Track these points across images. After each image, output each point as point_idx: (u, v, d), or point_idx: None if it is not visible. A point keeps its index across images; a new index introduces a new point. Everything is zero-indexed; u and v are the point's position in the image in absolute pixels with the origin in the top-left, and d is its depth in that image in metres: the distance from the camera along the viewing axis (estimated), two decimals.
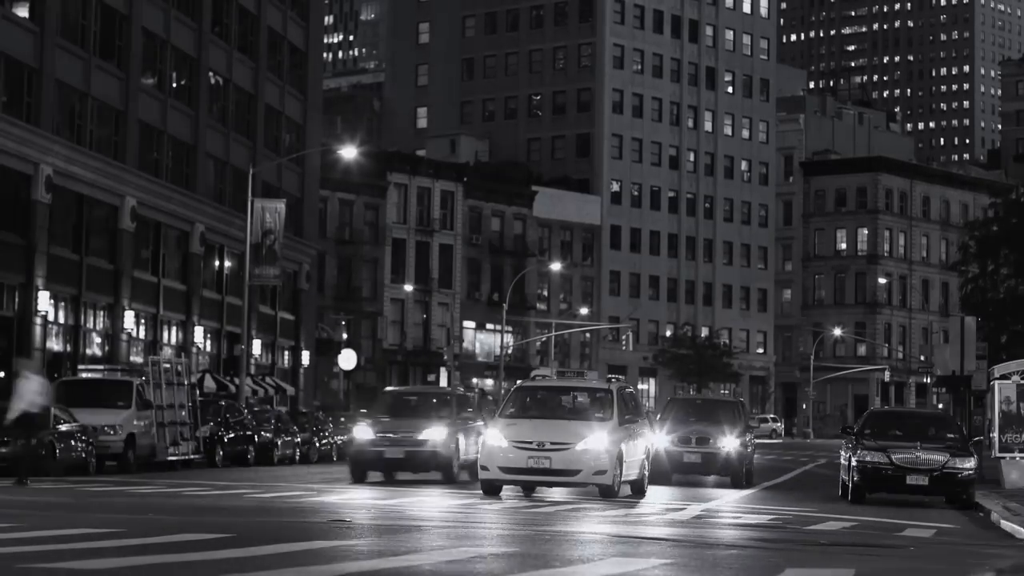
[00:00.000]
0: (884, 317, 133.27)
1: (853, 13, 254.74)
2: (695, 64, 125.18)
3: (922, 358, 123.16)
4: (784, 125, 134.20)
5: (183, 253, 63.09)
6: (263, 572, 11.98)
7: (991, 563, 15.76)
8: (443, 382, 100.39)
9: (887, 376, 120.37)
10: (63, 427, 34.06)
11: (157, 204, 59.19)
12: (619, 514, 21.91)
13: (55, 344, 52.61)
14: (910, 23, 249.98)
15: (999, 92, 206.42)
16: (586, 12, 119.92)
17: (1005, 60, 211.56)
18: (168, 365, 40.77)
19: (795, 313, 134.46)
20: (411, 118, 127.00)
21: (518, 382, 38.80)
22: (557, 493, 27.70)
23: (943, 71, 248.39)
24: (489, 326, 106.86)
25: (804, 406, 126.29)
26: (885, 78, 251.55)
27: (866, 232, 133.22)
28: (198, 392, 45.35)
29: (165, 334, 61.25)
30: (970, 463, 28.31)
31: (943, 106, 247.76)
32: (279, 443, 46.71)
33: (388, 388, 51.48)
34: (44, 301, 50.12)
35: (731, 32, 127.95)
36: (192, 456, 40.45)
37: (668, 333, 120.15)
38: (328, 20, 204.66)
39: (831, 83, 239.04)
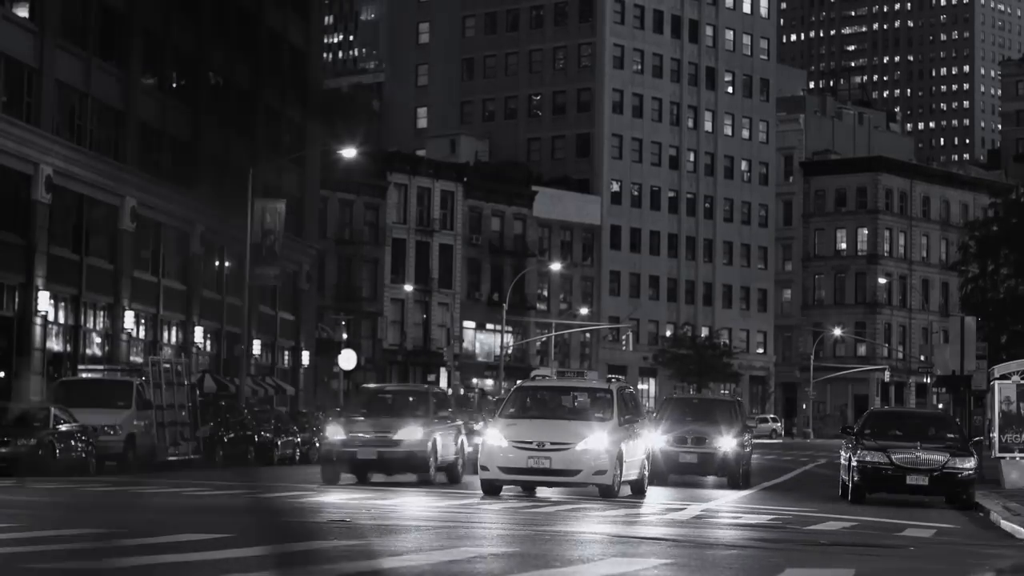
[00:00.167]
0: (884, 317, 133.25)
1: (853, 13, 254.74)
2: (695, 64, 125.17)
3: (922, 358, 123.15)
4: (784, 125, 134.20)
5: (183, 253, 63.05)
6: (263, 572, 11.98)
7: (991, 563, 15.76)
8: (443, 382, 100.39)
9: (887, 376, 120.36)
10: (63, 427, 34.09)
11: (157, 204, 59.16)
12: (619, 514, 21.91)
13: (55, 344, 52.57)
14: (910, 23, 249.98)
15: (999, 92, 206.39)
16: (586, 12, 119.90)
17: (1005, 60, 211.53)
18: (168, 365, 40.79)
19: (795, 313, 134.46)
20: (411, 118, 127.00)
21: (518, 382, 38.63)
22: (557, 493, 27.69)
23: (943, 71, 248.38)
24: (489, 326, 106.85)
25: (804, 406, 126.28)
26: (885, 78, 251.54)
27: (866, 232, 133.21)
28: (198, 392, 45.36)
29: (165, 334, 61.22)
30: (970, 463, 28.30)
31: (943, 106, 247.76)
32: (279, 443, 46.70)
33: (363, 386, 50.80)
34: (44, 301, 50.09)
35: (731, 32, 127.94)
36: (192, 456, 40.45)
37: (668, 333, 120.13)
38: (328, 20, 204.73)
39: (831, 83, 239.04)
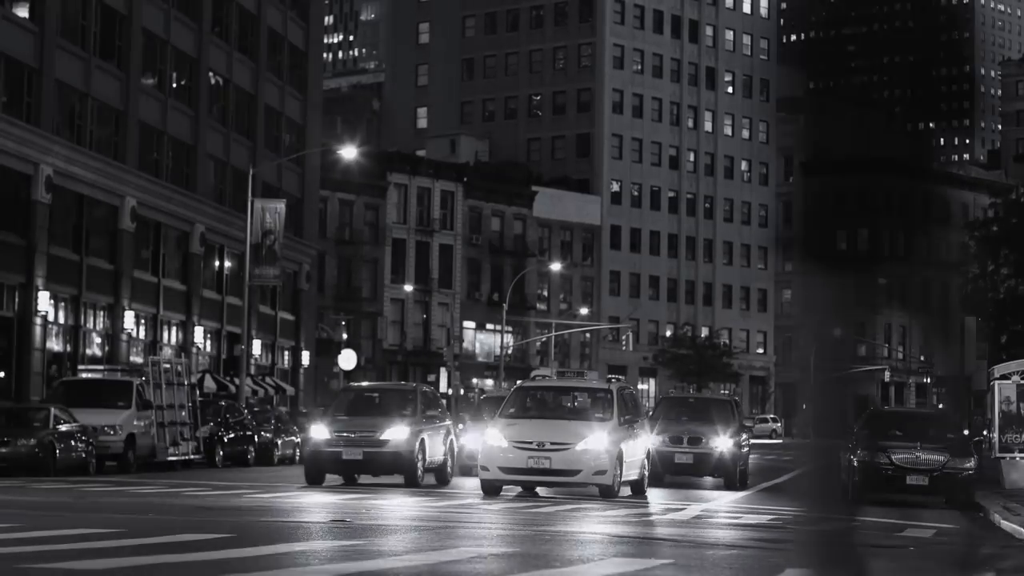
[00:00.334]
0: (884, 317, 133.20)
1: (853, 13, 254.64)
2: (695, 64, 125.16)
3: (922, 358, 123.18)
4: (784, 125, 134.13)
5: (183, 253, 63.07)
6: (263, 572, 11.98)
7: (991, 563, 15.76)
8: (443, 382, 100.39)
9: (887, 376, 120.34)
10: (63, 427, 34.09)
11: (157, 204, 59.18)
12: (619, 514, 21.90)
13: (55, 344, 52.59)
14: (910, 23, 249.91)
15: (999, 92, 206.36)
16: (586, 12, 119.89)
17: (1005, 60, 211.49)
18: (168, 365, 40.75)
19: (795, 313, 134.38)
20: (411, 118, 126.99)
21: (518, 382, 38.52)
22: (557, 493, 27.67)
23: (943, 71, 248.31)
24: (489, 326, 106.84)
25: (804, 406, 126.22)
26: (885, 78, 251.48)
27: (866, 232, 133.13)
28: (198, 392, 45.33)
29: (165, 334, 61.23)
30: (970, 463, 28.30)
31: (943, 106, 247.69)
32: (279, 443, 46.69)
33: (349, 384, 49.88)
34: (44, 301, 50.11)
35: (731, 32, 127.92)
36: (192, 456, 40.43)
37: (668, 333, 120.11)
38: (328, 20, 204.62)
39: (831, 83, 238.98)
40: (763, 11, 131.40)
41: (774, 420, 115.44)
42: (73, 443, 34.03)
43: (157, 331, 60.09)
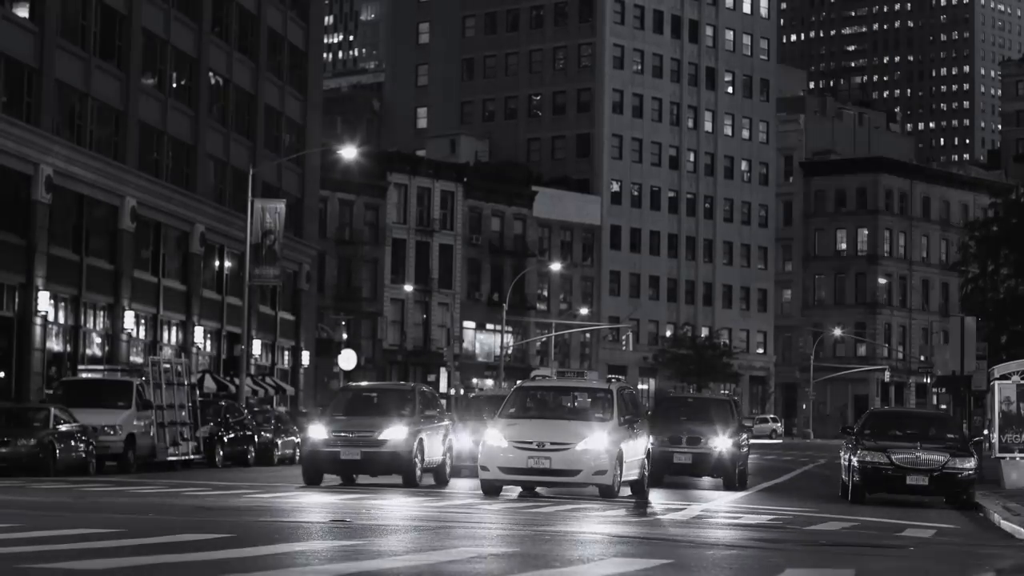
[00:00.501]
0: (884, 317, 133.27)
1: (853, 13, 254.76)
2: (695, 64, 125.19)
3: (922, 358, 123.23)
4: (784, 125, 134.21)
5: (183, 253, 63.08)
6: (263, 572, 11.98)
7: (991, 563, 15.76)
8: (443, 382, 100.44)
9: (887, 376, 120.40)
10: (63, 427, 34.10)
11: (157, 204, 59.18)
12: (619, 514, 21.91)
13: (55, 344, 52.59)
14: (910, 23, 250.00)
15: (999, 92, 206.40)
16: (586, 12, 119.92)
17: (1005, 60, 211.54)
18: (168, 365, 40.75)
19: (795, 313, 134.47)
20: (411, 118, 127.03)
21: (518, 382, 38.46)
22: (557, 493, 27.67)
23: (943, 71, 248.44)
24: (489, 326, 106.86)
25: (804, 406, 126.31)
26: (885, 78, 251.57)
27: (866, 232, 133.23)
28: (198, 392, 45.33)
29: (165, 334, 61.24)
30: (970, 463, 28.31)
31: (943, 106, 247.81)
32: (279, 443, 46.71)
33: (347, 384, 49.82)
34: (44, 301, 50.10)
35: (731, 32, 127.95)
36: (192, 456, 40.44)
37: (668, 333, 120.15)
38: (328, 20, 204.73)
39: (831, 83, 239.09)
40: (763, 11, 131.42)
41: (774, 420, 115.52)
42: (73, 443, 34.05)
43: (157, 331, 60.09)
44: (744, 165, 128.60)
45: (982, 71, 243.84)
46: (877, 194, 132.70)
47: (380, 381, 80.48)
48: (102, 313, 55.83)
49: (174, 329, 62.31)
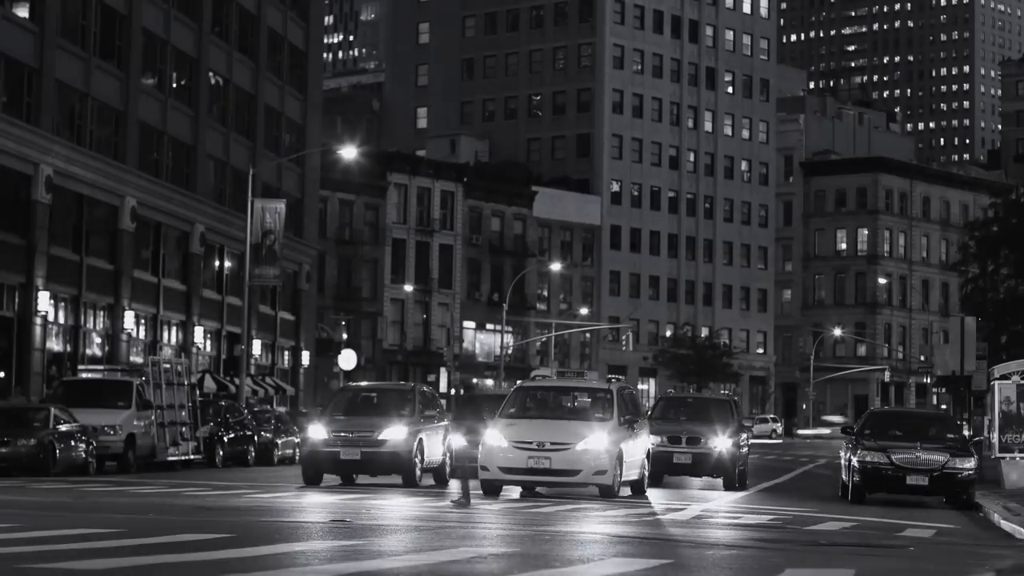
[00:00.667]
0: (884, 317, 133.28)
1: (853, 13, 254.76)
2: (695, 64, 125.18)
3: (922, 358, 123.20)
4: (784, 125, 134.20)
5: (183, 253, 63.09)
6: (263, 572, 11.98)
7: (991, 563, 15.76)
8: (443, 382, 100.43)
9: (887, 376, 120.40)
10: (63, 427, 34.09)
11: (157, 204, 59.20)
12: (619, 514, 21.90)
13: (55, 344, 52.60)
14: (910, 23, 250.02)
15: (999, 92, 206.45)
16: (586, 12, 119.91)
17: (1005, 60, 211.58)
18: (168, 365, 40.74)
19: (795, 313, 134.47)
20: (411, 118, 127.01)
21: (518, 382, 38.38)
22: (557, 493, 27.67)
23: (943, 71, 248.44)
24: (489, 326, 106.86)
25: (804, 406, 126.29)
26: (885, 78, 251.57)
27: (866, 232, 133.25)
28: (198, 392, 45.32)
29: (165, 334, 61.25)
30: (970, 463, 28.30)
31: (943, 106, 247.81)
32: (279, 443, 46.71)
33: (346, 384, 49.68)
34: (44, 301, 50.12)
35: (731, 32, 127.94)
36: (192, 456, 40.43)
37: (668, 333, 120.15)
38: (328, 20, 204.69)
39: (831, 83, 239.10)
40: (763, 11, 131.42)
41: (774, 420, 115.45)
42: (73, 443, 34.04)
43: (157, 331, 60.11)
44: (744, 165, 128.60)
45: (982, 71, 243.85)
46: (877, 194, 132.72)
47: (380, 381, 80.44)
48: (102, 313, 55.84)
49: (174, 329, 62.32)
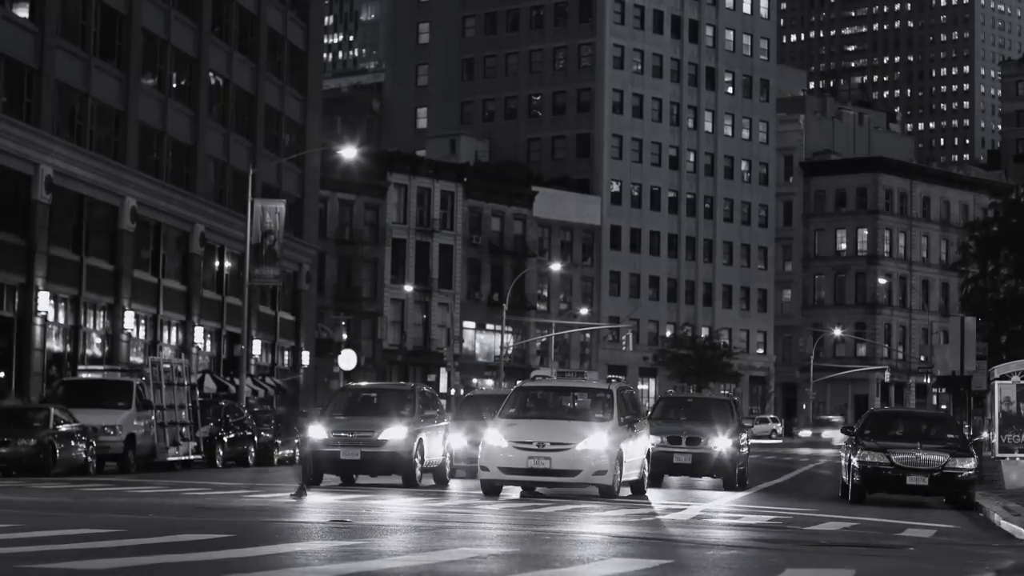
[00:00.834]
0: (884, 317, 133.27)
1: (853, 13, 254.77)
2: (695, 64, 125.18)
3: (922, 358, 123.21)
4: (784, 125, 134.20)
5: (183, 253, 63.09)
6: (263, 572, 11.98)
7: (991, 563, 15.76)
8: (443, 383, 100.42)
9: (887, 376, 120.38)
10: (63, 427, 34.10)
11: (157, 204, 59.20)
12: (619, 514, 21.90)
13: (55, 344, 52.60)
14: (910, 23, 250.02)
15: (999, 92, 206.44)
16: (586, 12, 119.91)
17: (1005, 60, 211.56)
18: (168, 365, 40.75)
19: (795, 313, 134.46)
20: (411, 118, 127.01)
21: (518, 382, 38.34)
22: (557, 493, 27.67)
23: (943, 71, 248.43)
24: (489, 326, 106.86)
25: (804, 406, 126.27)
26: (885, 78, 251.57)
27: (866, 232, 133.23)
28: (198, 392, 45.32)
29: (165, 334, 61.25)
30: (970, 463, 28.30)
31: (943, 106, 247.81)
32: (279, 443, 46.71)
33: (346, 384, 49.70)
34: (44, 301, 50.12)
35: (731, 32, 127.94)
36: (192, 456, 40.43)
37: (668, 333, 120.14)
38: (328, 20, 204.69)
39: (831, 83, 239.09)
40: (763, 11, 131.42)
41: (774, 420, 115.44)
42: (73, 443, 34.05)
43: (157, 331, 60.10)
44: (744, 165, 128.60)
45: (982, 71, 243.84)
46: (877, 194, 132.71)
47: (380, 381, 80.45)
48: (102, 313, 55.84)
49: (174, 329, 62.32)
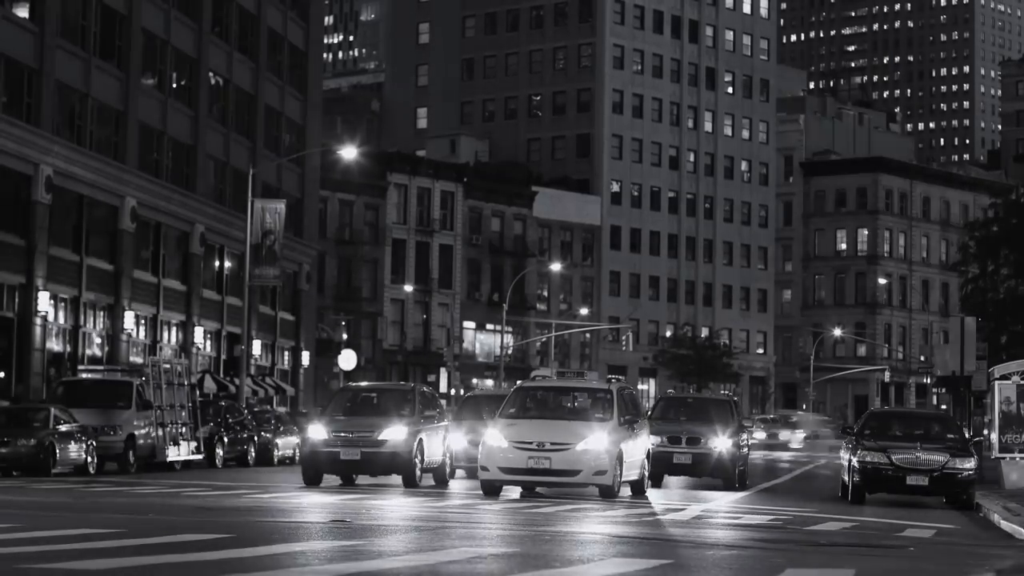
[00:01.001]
0: (884, 317, 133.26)
1: (853, 13, 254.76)
2: (695, 64, 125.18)
3: (922, 358, 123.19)
4: (784, 125, 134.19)
5: (183, 253, 63.08)
6: (263, 572, 11.98)
7: (991, 563, 15.76)
8: (443, 383, 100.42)
9: (887, 376, 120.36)
10: (63, 427, 34.10)
11: (157, 204, 59.19)
12: (619, 514, 21.91)
13: (55, 344, 52.59)
14: (910, 23, 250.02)
15: (999, 92, 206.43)
16: (586, 12, 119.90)
17: (1005, 60, 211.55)
18: (168, 365, 40.73)
19: (795, 313, 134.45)
20: (411, 118, 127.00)
21: (518, 382, 38.34)
22: (557, 493, 27.67)
23: (943, 71, 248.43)
24: (489, 326, 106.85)
25: (804, 406, 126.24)
26: (885, 78, 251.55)
27: (866, 232, 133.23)
28: (198, 392, 45.33)
29: (165, 334, 61.24)
30: (970, 463, 28.30)
31: (943, 106, 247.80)
32: (279, 443, 46.71)
33: (346, 384, 49.73)
34: (44, 301, 50.11)
35: (731, 32, 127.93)
36: (192, 456, 40.43)
37: (668, 333, 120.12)
38: (328, 20, 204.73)
39: (831, 83, 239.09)
40: (763, 11, 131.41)
41: (774, 421, 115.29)
42: (73, 443, 34.05)
43: (157, 331, 60.09)
44: (744, 165, 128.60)
45: (982, 71, 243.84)
46: (877, 194, 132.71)
47: (380, 381, 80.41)
48: (102, 313, 55.83)
49: (174, 329, 62.31)
